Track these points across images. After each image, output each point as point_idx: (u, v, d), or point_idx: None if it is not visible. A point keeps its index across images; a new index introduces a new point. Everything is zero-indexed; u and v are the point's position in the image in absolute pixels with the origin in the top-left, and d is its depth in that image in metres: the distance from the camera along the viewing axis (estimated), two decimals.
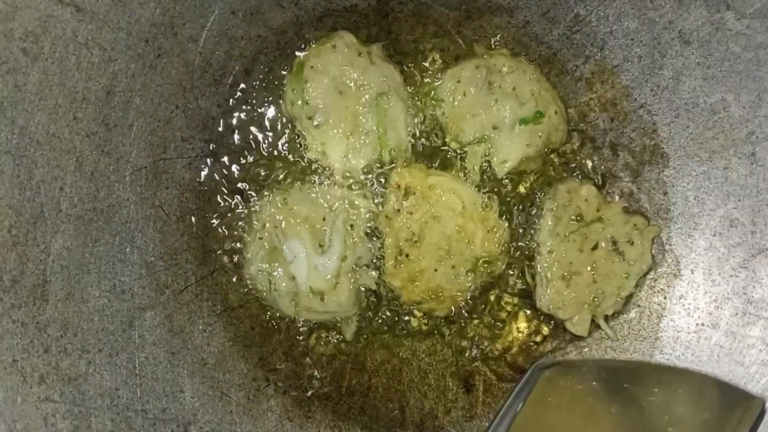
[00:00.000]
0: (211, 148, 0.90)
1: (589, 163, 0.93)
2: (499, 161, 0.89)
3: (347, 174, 0.90)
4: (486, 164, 0.91)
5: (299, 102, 0.87)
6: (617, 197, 0.93)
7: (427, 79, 0.92)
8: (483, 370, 0.93)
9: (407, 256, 0.88)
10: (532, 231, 0.92)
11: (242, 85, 0.90)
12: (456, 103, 0.89)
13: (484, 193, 0.91)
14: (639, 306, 0.93)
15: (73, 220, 0.84)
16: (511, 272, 0.93)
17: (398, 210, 0.88)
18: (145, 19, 0.84)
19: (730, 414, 0.80)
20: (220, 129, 0.91)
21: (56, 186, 0.83)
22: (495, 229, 0.90)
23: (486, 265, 0.90)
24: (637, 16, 0.90)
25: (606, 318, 0.92)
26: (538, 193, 0.93)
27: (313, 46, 0.89)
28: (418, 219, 0.89)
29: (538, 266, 0.90)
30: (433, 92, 0.90)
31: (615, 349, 0.93)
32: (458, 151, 0.91)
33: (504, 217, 0.92)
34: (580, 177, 0.93)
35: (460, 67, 0.89)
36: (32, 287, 0.82)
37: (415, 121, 0.91)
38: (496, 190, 0.93)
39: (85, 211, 0.84)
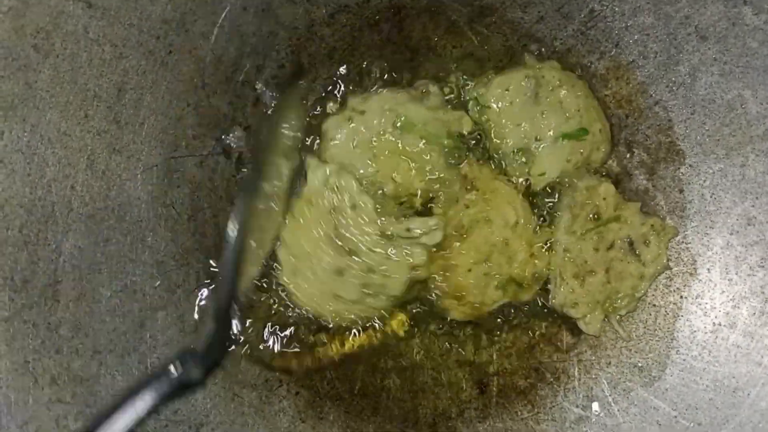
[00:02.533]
0: (223, 146, 0.89)
1: (603, 160, 0.92)
2: (538, 173, 0.88)
3: None
4: (525, 175, 0.90)
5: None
6: (632, 195, 0.92)
7: (477, 85, 0.90)
8: (497, 370, 0.92)
9: (449, 246, 0.87)
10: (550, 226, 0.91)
11: (254, 83, 0.89)
12: (501, 110, 0.88)
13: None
14: (654, 305, 0.92)
15: (84, 219, 0.83)
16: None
17: (458, 199, 0.88)
18: (156, 15, 0.83)
19: None
20: (232, 127, 0.89)
21: (67, 184, 0.82)
22: (537, 257, 0.89)
23: (516, 287, 0.89)
24: (652, 11, 0.89)
25: (619, 318, 0.91)
26: (557, 188, 0.92)
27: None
28: (471, 214, 0.88)
29: (552, 264, 0.89)
30: (479, 98, 0.89)
31: (630, 349, 0.92)
32: (497, 159, 0.90)
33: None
34: (602, 175, 0.92)
35: (509, 75, 0.88)
36: (43, 287, 0.81)
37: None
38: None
39: (96, 210, 0.83)
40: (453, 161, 0.89)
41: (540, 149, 0.88)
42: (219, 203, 0.90)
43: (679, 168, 0.91)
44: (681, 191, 0.92)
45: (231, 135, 0.90)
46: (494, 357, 0.92)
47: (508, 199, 0.88)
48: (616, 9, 0.89)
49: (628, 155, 0.92)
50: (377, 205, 0.86)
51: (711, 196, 0.91)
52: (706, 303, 0.91)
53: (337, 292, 0.87)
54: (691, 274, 0.91)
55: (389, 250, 0.86)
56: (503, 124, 0.88)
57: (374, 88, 0.90)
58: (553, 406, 0.92)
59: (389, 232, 0.86)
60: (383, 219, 0.86)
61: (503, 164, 0.90)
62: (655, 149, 0.92)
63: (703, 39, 0.88)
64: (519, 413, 0.93)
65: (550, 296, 0.90)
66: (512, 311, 0.92)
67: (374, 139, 0.86)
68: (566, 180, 0.90)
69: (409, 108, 0.86)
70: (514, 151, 0.88)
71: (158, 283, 0.87)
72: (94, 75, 0.81)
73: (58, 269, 0.82)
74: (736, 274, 0.90)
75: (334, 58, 0.90)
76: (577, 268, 0.89)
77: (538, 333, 0.93)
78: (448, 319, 0.91)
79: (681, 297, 0.92)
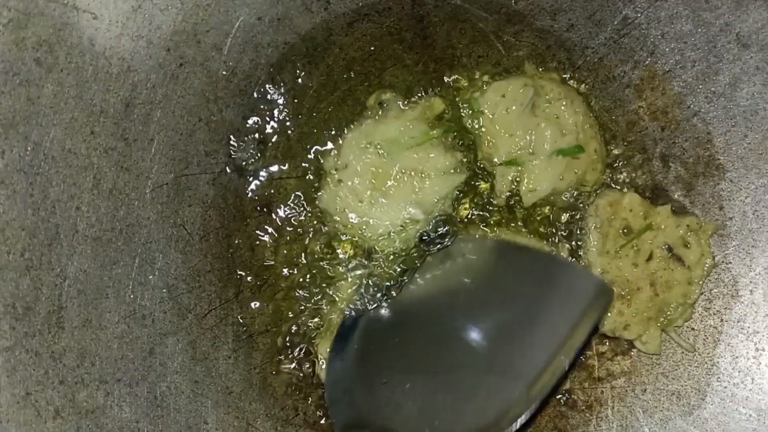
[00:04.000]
0: (236, 162, 0.86)
1: (638, 176, 0.90)
2: (528, 189, 0.85)
3: None
4: (514, 189, 0.87)
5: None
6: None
7: (471, 88, 0.87)
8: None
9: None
10: (580, 252, 0.87)
11: (269, 96, 0.86)
12: (496, 118, 0.84)
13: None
14: (693, 329, 0.89)
15: (90, 242, 0.80)
16: None
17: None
18: (167, 26, 0.80)
19: (579, 296, 0.81)
20: (246, 142, 0.86)
21: (72, 205, 0.79)
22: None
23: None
24: (690, 17, 0.86)
25: (678, 330, 0.89)
26: (581, 209, 0.89)
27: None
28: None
29: None
30: (473, 102, 0.85)
31: (667, 376, 0.89)
32: (486, 170, 0.87)
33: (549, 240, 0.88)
34: (626, 189, 0.89)
35: (507, 82, 0.85)
36: (47, 314, 0.78)
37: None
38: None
39: (103, 232, 0.81)
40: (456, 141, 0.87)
41: (533, 163, 0.84)
42: (232, 223, 0.87)
43: (718, 183, 0.89)
44: (721, 208, 0.89)
45: (245, 151, 0.86)
46: None
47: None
48: (652, 16, 0.86)
49: (663, 170, 0.89)
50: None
51: (753, 213, 0.88)
52: (749, 326, 0.88)
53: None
54: (732, 296, 0.89)
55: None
56: (496, 132, 0.84)
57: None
58: None
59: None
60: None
61: (492, 179, 0.87)
62: (693, 163, 0.89)
63: (744, 47, 0.86)
64: None
65: (599, 324, 0.87)
66: None
67: (372, 179, 0.83)
68: (552, 198, 0.87)
69: (378, 130, 0.83)
70: (504, 163, 0.85)
71: (168, 307, 0.84)
72: (100, 90, 0.79)
73: (63, 294, 0.79)
74: None
75: (354, 68, 0.87)
76: (620, 288, 0.86)
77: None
78: None
79: (721, 320, 0.89)
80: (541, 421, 0.90)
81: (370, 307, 0.84)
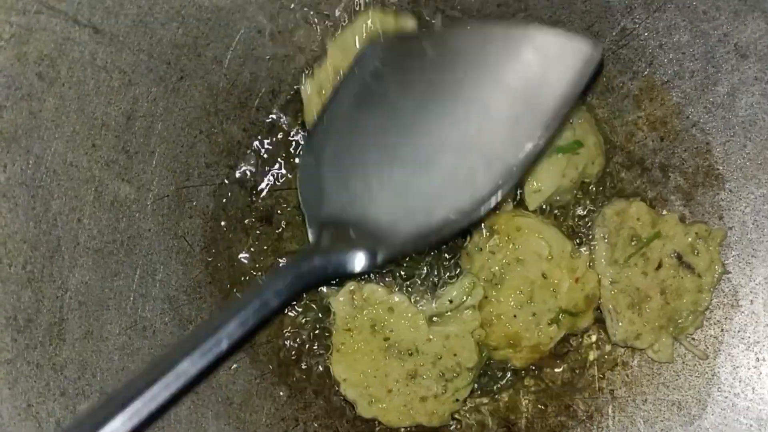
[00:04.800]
0: (237, 174, 0.87)
1: (637, 186, 0.90)
2: (533, 190, 0.86)
3: None
4: (518, 193, 0.87)
5: None
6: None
7: None
8: (526, 407, 0.90)
9: (485, 297, 0.85)
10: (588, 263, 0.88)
11: (269, 108, 0.87)
12: None
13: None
14: (694, 339, 0.89)
15: (91, 254, 0.81)
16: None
17: (480, 249, 0.85)
18: (167, 40, 0.81)
19: (565, 67, 0.72)
20: (247, 154, 0.87)
21: (74, 218, 0.80)
22: (584, 281, 0.85)
23: (569, 317, 0.86)
24: (689, 28, 0.86)
25: (689, 338, 0.89)
26: (588, 220, 0.89)
27: None
28: (500, 260, 0.85)
29: (602, 299, 0.87)
30: None
31: (668, 386, 0.89)
32: None
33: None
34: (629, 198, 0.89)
35: None
36: (48, 326, 0.79)
37: None
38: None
39: (104, 244, 0.81)
40: None
41: (534, 165, 0.84)
42: (233, 234, 0.88)
43: (718, 193, 0.89)
44: (720, 218, 0.89)
45: (245, 163, 0.87)
46: (521, 393, 0.90)
47: (534, 231, 0.85)
48: (650, 27, 0.86)
49: (663, 180, 0.89)
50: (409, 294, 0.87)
51: (753, 223, 0.88)
52: (749, 336, 0.88)
53: (421, 395, 0.86)
54: (732, 306, 0.89)
55: (445, 330, 0.85)
56: None
57: None
58: None
59: (435, 314, 0.86)
60: (423, 304, 0.86)
61: None
62: (692, 174, 0.89)
63: (743, 57, 0.86)
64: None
65: (609, 334, 0.87)
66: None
67: None
68: (558, 198, 0.87)
69: None
70: None
71: (169, 318, 0.85)
72: (101, 103, 0.79)
73: (64, 306, 0.80)
74: None
75: None
76: (630, 298, 0.86)
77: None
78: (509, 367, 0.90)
79: (722, 330, 0.89)
80: (542, 429, 0.90)
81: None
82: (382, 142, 0.76)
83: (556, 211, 0.90)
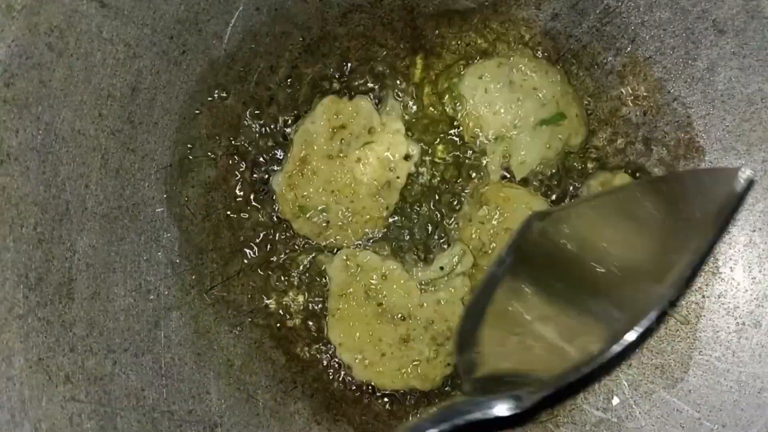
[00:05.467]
0: (236, 146, 0.89)
1: (621, 159, 0.92)
2: (519, 162, 0.88)
3: None
4: (504, 164, 0.90)
5: None
6: None
7: (448, 76, 0.91)
8: None
9: (475, 264, 0.88)
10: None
11: (267, 83, 0.89)
12: (477, 100, 0.88)
13: None
14: (676, 305, 0.91)
15: (98, 218, 0.83)
16: None
17: (470, 219, 0.88)
18: (170, 15, 0.83)
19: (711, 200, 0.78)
20: (245, 127, 0.90)
21: (82, 183, 0.82)
22: None
23: None
24: (669, 5, 0.88)
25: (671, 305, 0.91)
26: (573, 191, 0.92)
27: None
28: (488, 229, 0.88)
29: None
30: (452, 87, 0.89)
31: (651, 350, 0.91)
32: (476, 151, 0.90)
33: None
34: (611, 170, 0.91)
35: (483, 64, 0.88)
36: (58, 285, 0.81)
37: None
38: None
39: (110, 209, 0.84)
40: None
41: (519, 137, 0.88)
42: (233, 203, 0.90)
43: (699, 165, 0.90)
44: None
45: (244, 135, 0.90)
46: None
47: (521, 201, 0.88)
48: (632, 4, 0.88)
49: (646, 153, 0.91)
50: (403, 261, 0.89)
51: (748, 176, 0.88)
52: (729, 302, 0.90)
53: (413, 359, 0.88)
54: (713, 273, 0.90)
55: (436, 296, 0.87)
56: (480, 113, 0.88)
57: None
58: (573, 409, 0.91)
59: (427, 280, 0.88)
60: (415, 271, 0.88)
61: (483, 157, 0.90)
62: (674, 146, 0.91)
63: (721, 33, 0.87)
64: (538, 416, 0.91)
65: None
66: None
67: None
68: (543, 167, 0.89)
69: None
70: (493, 140, 0.88)
71: (172, 282, 0.87)
72: (107, 74, 0.82)
73: (73, 267, 0.82)
74: (760, 272, 0.88)
75: (348, 57, 0.90)
76: None
77: None
78: None
79: (703, 296, 0.90)
80: None
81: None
82: (540, 302, 0.80)
83: (543, 181, 0.92)
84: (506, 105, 0.88)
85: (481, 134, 0.89)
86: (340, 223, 0.88)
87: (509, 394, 0.71)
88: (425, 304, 0.88)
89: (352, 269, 0.88)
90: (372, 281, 0.88)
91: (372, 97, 0.90)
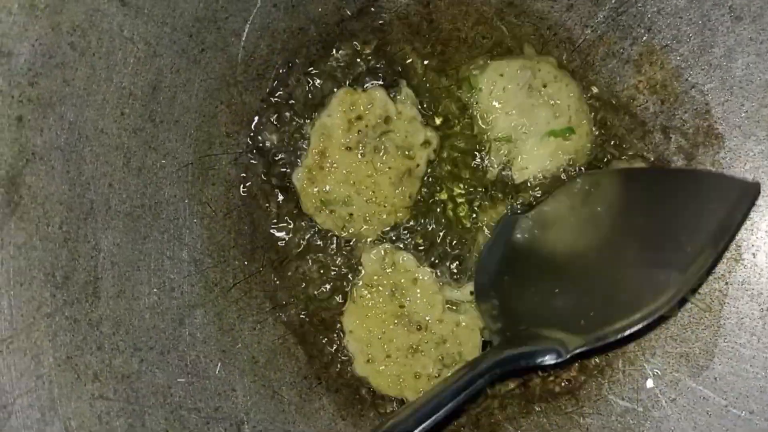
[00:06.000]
0: (256, 143, 0.90)
1: (640, 148, 0.91)
2: (520, 166, 0.89)
3: None
4: (505, 163, 0.90)
5: None
6: None
7: (471, 66, 0.90)
8: None
9: None
10: None
11: (285, 80, 0.90)
12: (493, 95, 0.88)
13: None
14: (699, 293, 0.90)
15: (122, 217, 0.83)
16: None
17: None
18: (189, 13, 0.84)
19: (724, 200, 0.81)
20: (265, 124, 0.90)
21: (105, 182, 0.82)
22: None
23: None
24: None
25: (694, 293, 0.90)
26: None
27: None
28: None
29: None
30: (472, 78, 0.89)
31: (675, 339, 0.90)
32: (480, 146, 0.90)
33: None
34: (628, 160, 0.91)
35: (506, 62, 0.89)
36: (84, 284, 0.81)
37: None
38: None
39: (133, 208, 0.84)
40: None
41: (525, 142, 0.88)
42: (254, 200, 0.90)
43: (718, 152, 0.90)
44: None
45: (264, 132, 0.90)
46: None
47: None
48: None
49: (665, 141, 0.91)
50: (437, 273, 0.88)
51: (753, 179, 0.89)
52: (753, 288, 0.89)
53: (415, 370, 0.88)
54: (736, 260, 0.90)
55: (457, 317, 0.87)
56: (493, 108, 0.88)
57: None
58: (598, 399, 0.91)
59: (454, 300, 0.88)
60: (446, 287, 0.88)
61: (483, 153, 0.90)
62: (693, 134, 0.90)
63: (737, 19, 0.87)
64: (563, 407, 0.91)
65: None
66: None
67: None
68: (543, 176, 0.89)
69: None
70: (498, 138, 0.88)
71: (195, 280, 0.88)
72: (129, 73, 0.82)
73: (98, 266, 0.82)
74: None
75: (364, 51, 0.90)
76: None
77: None
78: None
79: (726, 283, 0.90)
80: (554, 387, 0.91)
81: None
82: (553, 264, 0.84)
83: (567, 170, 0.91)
84: (520, 108, 0.88)
85: (489, 130, 0.89)
86: (363, 215, 0.88)
87: (550, 347, 0.77)
88: (444, 321, 0.88)
89: (386, 264, 0.87)
90: (402, 281, 0.88)
91: (386, 86, 0.90)
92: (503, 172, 0.90)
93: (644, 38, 0.90)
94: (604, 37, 0.90)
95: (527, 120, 0.88)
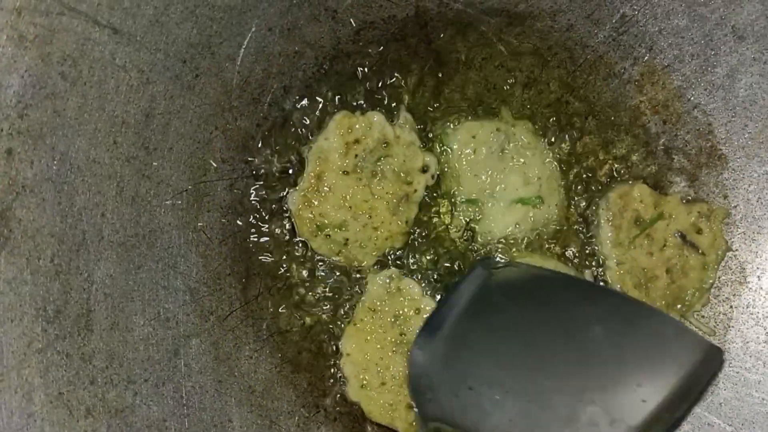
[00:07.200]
0: (251, 169, 0.89)
1: (641, 169, 0.91)
2: (483, 230, 0.88)
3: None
4: (469, 225, 0.89)
5: None
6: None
7: (445, 121, 0.90)
8: None
9: None
10: (595, 245, 0.88)
11: (281, 104, 0.89)
12: (463, 157, 0.87)
13: None
14: (704, 316, 0.90)
15: (115, 247, 0.82)
16: None
17: None
18: (182, 39, 0.83)
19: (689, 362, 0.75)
20: (260, 149, 0.89)
21: (98, 212, 0.81)
22: None
23: None
24: (686, 13, 0.87)
25: (697, 315, 0.90)
26: (592, 206, 0.90)
27: None
28: None
29: (610, 280, 0.88)
30: (444, 137, 0.88)
31: None
32: (446, 205, 0.89)
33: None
34: (630, 181, 0.90)
35: (480, 123, 0.87)
36: (76, 317, 0.80)
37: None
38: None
39: (127, 238, 0.83)
40: None
41: (492, 207, 0.87)
42: (249, 226, 0.89)
43: (721, 173, 0.90)
44: (725, 197, 0.90)
45: (260, 157, 0.89)
46: None
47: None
48: (648, 12, 0.88)
49: (667, 162, 0.90)
50: None
51: (757, 201, 0.89)
52: (758, 312, 0.89)
53: (408, 402, 0.86)
54: (740, 283, 0.89)
55: None
56: (462, 170, 0.87)
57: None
58: None
59: None
60: None
61: (452, 210, 0.88)
62: (695, 155, 0.90)
63: (740, 39, 0.87)
64: None
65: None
66: None
67: None
68: (506, 240, 0.88)
69: None
70: (464, 200, 0.87)
71: (191, 309, 0.86)
72: (121, 101, 0.81)
73: (91, 298, 0.81)
74: None
75: (361, 74, 0.89)
76: (637, 278, 0.87)
77: None
78: None
79: (731, 307, 0.90)
80: None
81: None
82: (495, 362, 0.79)
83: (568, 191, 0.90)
84: (489, 173, 0.87)
85: (455, 192, 0.88)
86: (359, 240, 0.87)
87: None
88: None
89: (391, 289, 0.86)
90: (405, 309, 0.86)
91: (384, 111, 0.88)
92: (466, 232, 0.89)
93: (645, 58, 0.89)
94: (604, 57, 0.90)
95: (495, 185, 0.87)
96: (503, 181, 0.87)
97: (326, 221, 0.86)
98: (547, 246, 0.89)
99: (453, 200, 0.88)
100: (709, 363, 0.75)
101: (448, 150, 0.87)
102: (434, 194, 0.89)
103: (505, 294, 0.83)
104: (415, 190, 0.87)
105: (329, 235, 0.86)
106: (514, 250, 0.88)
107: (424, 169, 0.87)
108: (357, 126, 0.86)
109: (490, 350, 0.79)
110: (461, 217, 0.88)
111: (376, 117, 0.86)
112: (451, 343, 0.81)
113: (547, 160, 0.88)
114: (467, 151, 0.87)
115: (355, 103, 0.89)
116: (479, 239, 0.88)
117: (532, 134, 0.88)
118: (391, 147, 0.86)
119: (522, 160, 0.87)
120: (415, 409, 0.83)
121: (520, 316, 0.80)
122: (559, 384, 0.76)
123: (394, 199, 0.86)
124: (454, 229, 0.88)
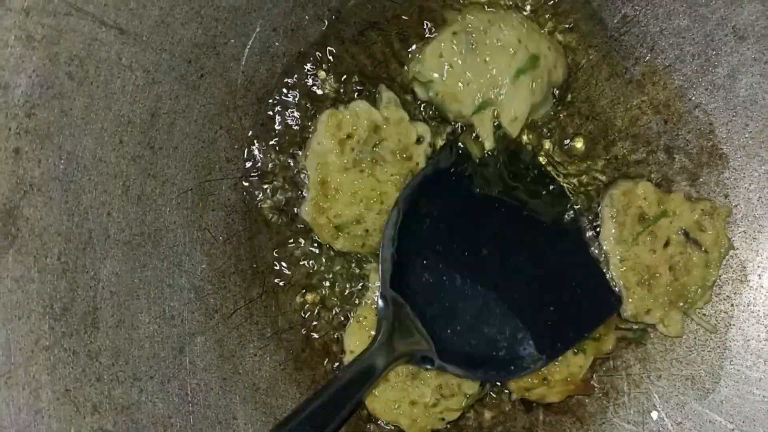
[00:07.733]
0: (256, 168, 0.89)
1: (643, 168, 0.91)
2: (510, 119, 0.85)
3: None
4: (497, 127, 0.87)
5: None
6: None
7: (411, 64, 0.88)
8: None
9: None
10: (597, 242, 0.89)
11: (285, 103, 0.89)
12: (445, 78, 0.85)
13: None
14: (705, 315, 0.90)
15: (121, 246, 0.83)
16: None
17: None
18: (188, 39, 0.83)
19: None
20: (265, 148, 0.89)
21: (104, 211, 0.82)
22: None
23: (593, 343, 0.88)
24: (687, 13, 0.87)
25: (700, 313, 0.90)
26: (594, 201, 0.91)
27: None
28: None
29: (613, 276, 0.88)
30: (419, 75, 0.86)
31: (681, 361, 0.90)
32: (464, 127, 0.89)
33: None
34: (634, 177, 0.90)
35: (437, 40, 0.85)
36: (83, 315, 0.81)
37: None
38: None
39: (132, 236, 0.83)
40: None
41: (501, 95, 0.84)
42: (254, 225, 0.89)
43: (722, 172, 0.90)
44: (726, 196, 0.90)
45: (264, 157, 0.89)
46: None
47: None
48: (650, 13, 0.88)
49: (668, 161, 0.90)
50: None
51: (758, 200, 0.89)
52: (759, 310, 0.89)
53: (412, 398, 0.86)
54: (741, 281, 0.90)
55: None
56: (454, 89, 0.85)
57: None
58: (603, 423, 0.90)
59: None
60: None
61: (473, 128, 0.87)
62: (696, 154, 0.90)
63: (741, 39, 0.87)
64: (568, 431, 0.90)
65: (621, 310, 0.88)
66: None
67: None
68: (536, 116, 0.89)
69: None
70: (476, 111, 0.85)
71: (196, 307, 0.87)
72: (127, 101, 0.81)
73: (97, 296, 0.81)
74: None
75: (365, 75, 0.90)
76: (640, 275, 0.87)
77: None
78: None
79: (732, 305, 0.90)
80: (559, 411, 0.91)
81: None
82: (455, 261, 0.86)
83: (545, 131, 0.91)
84: (476, 71, 0.84)
85: (463, 109, 0.86)
86: (378, 228, 0.86)
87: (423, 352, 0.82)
88: None
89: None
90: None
91: (366, 96, 0.89)
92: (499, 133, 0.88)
93: (647, 58, 0.89)
94: (606, 57, 0.90)
95: (491, 76, 0.84)
96: (492, 69, 0.84)
97: (343, 221, 0.86)
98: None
99: (466, 119, 0.87)
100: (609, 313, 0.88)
101: (432, 82, 0.86)
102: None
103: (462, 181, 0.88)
104: (417, 163, 0.87)
105: (349, 233, 0.87)
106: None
107: (419, 140, 0.87)
108: (344, 121, 0.85)
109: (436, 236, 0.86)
110: (484, 128, 0.87)
111: (360, 105, 0.86)
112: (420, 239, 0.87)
113: (513, 22, 0.85)
114: (445, 71, 0.85)
115: (340, 99, 0.89)
116: (512, 133, 0.87)
117: (484, 11, 0.86)
118: (382, 130, 0.86)
119: (493, 39, 0.84)
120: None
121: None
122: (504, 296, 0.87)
123: (400, 178, 0.86)
124: (486, 138, 0.87)
